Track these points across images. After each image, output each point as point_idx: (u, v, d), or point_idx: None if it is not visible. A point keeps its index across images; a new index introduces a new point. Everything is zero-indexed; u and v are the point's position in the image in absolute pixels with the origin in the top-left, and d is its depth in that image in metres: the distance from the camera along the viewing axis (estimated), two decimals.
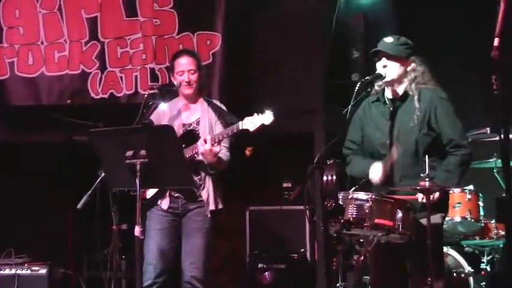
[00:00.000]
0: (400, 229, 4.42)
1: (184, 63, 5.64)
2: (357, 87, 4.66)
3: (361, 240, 4.59)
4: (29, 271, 7.14)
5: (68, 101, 7.68)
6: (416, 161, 4.70)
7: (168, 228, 5.58)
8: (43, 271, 7.18)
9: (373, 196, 4.44)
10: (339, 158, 4.53)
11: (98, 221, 6.00)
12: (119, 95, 7.69)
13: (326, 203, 4.13)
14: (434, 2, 8.03)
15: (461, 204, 6.67)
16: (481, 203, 6.76)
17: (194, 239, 5.54)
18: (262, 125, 5.22)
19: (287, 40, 7.76)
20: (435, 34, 7.78)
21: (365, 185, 4.79)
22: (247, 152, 7.98)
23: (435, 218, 4.64)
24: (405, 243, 4.57)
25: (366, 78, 4.80)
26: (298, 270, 7.18)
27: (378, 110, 4.96)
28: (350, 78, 7.63)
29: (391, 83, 4.88)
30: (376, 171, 4.79)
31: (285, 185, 7.87)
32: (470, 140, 4.92)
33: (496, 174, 6.86)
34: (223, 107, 5.71)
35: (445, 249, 6.53)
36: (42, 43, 7.76)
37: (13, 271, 7.13)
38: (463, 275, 6.65)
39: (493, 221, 6.81)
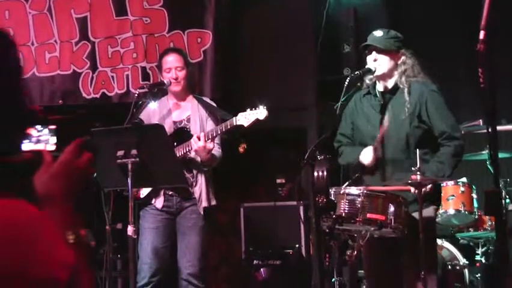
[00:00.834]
0: (392, 223, 4.42)
1: (171, 60, 5.65)
2: (346, 82, 4.66)
3: (354, 235, 4.58)
4: None
5: (60, 101, 7.67)
6: (408, 154, 4.71)
7: (163, 227, 5.58)
8: None
9: (364, 191, 4.43)
10: (330, 153, 4.52)
11: (94, 220, 5.99)
12: (111, 94, 7.68)
13: (317, 199, 4.11)
14: None
15: (454, 196, 6.66)
16: (474, 195, 6.75)
17: (189, 236, 5.55)
18: (257, 120, 5.23)
19: (278, 36, 7.76)
20: (425, 26, 7.77)
21: (358, 179, 4.78)
22: (241, 149, 8.00)
23: (428, 211, 4.65)
24: (398, 237, 4.56)
25: (356, 72, 4.81)
26: (294, 266, 7.16)
27: (369, 103, 4.97)
28: (342, 73, 7.62)
29: (382, 77, 4.89)
30: (367, 155, 4.80)
31: (278, 181, 7.86)
32: (462, 131, 4.92)
33: (489, 166, 6.85)
34: (213, 104, 5.71)
35: (440, 241, 6.54)
36: (32, 44, 7.76)
37: None
38: (458, 267, 6.65)
39: None
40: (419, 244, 4.42)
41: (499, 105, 2.77)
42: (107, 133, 4.81)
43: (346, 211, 4.40)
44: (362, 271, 5.42)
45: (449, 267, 6.62)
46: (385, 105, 4.87)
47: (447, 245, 6.74)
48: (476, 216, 6.76)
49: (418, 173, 4.39)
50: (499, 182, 3.66)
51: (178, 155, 5.36)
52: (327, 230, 4.34)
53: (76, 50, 7.71)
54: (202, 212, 5.54)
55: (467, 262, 6.63)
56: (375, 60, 4.85)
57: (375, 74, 4.84)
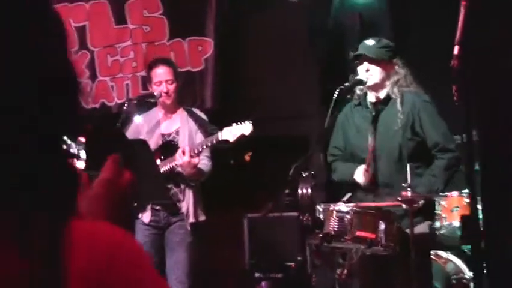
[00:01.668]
0: (383, 241, 4.25)
1: (162, 73, 5.51)
2: (335, 95, 4.50)
3: (345, 253, 4.42)
4: None
5: None
6: (401, 167, 4.52)
7: (150, 242, 5.45)
8: None
9: (354, 208, 4.27)
10: (318, 168, 4.37)
11: None
12: (110, 104, 7.57)
13: (301, 217, 3.96)
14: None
15: (459, 208, 6.46)
16: (479, 206, 6.54)
17: (177, 252, 5.42)
18: (242, 136, 5.07)
19: (281, 43, 7.60)
20: (431, 31, 7.59)
21: (350, 196, 4.62)
22: (247, 157, 7.88)
23: (422, 227, 4.48)
24: (390, 255, 4.39)
25: (346, 84, 4.64)
26: (295, 279, 7.01)
27: (361, 115, 4.80)
28: (347, 80, 7.45)
29: (373, 87, 4.73)
30: (359, 175, 4.64)
31: (287, 191, 7.69)
32: (457, 142, 4.73)
33: None
34: (204, 116, 5.58)
35: (445, 254, 6.34)
36: None
37: None
38: (464, 281, 6.44)
39: None
40: (412, 261, 4.25)
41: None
42: None
43: (335, 229, 4.24)
44: None
45: (454, 281, 6.42)
46: (377, 116, 4.69)
47: (452, 257, 6.53)
48: (482, 228, 6.55)
49: (409, 189, 4.21)
50: (477, 203, 3.46)
51: (164, 169, 5.23)
52: (315, 248, 4.17)
53: (75, 60, 7.47)
54: (189, 228, 5.39)
55: (473, 275, 6.42)
56: (367, 70, 4.68)
57: (367, 84, 4.68)
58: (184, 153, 5.17)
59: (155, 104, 5.64)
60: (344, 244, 4.30)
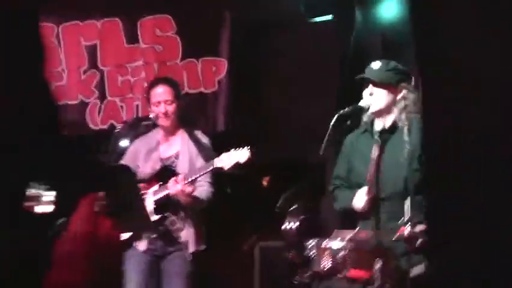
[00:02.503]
0: (379, 281, 3.89)
1: (160, 93, 5.24)
2: (333, 122, 4.17)
3: None
4: None
5: (65, 132, 7.29)
6: (404, 201, 4.15)
7: (148, 270, 5.17)
8: None
9: (348, 243, 3.93)
10: (309, 201, 4.05)
11: None
12: (119, 125, 7.30)
13: (288, 255, 3.64)
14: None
15: None
16: None
17: (175, 285, 5.12)
18: (237, 164, 4.77)
19: (299, 65, 7.28)
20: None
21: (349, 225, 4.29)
22: (264, 182, 7.57)
23: (422, 268, 4.10)
24: None
25: (345, 110, 4.31)
26: None
27: (367, 143, 4.47)
28: None
29: (379, 113, 4.40)
30: (360, 198, 4.33)
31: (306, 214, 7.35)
32: None
33: None
34: (206, 140, 5.28)
35: None
36: None
37: None
38: None
39: None
40: None
41: None
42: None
43: (326, 268, 3.90)
44: None
45: None
46: (383, 145, 4.36)
47: None
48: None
49: (409, 224, 3.86)
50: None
51: (160, 196, 4.96)
52: None
53: (84, 79, 7.39)
54: (189, 258, 5.09)
55: None
56: (371, 94, 4.37)
57: (370, 110, 4.35)
58: (177, 181, 4.90)
59: (154, 126, 5.35)
60: (336, 284, 3.95)
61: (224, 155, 4.85)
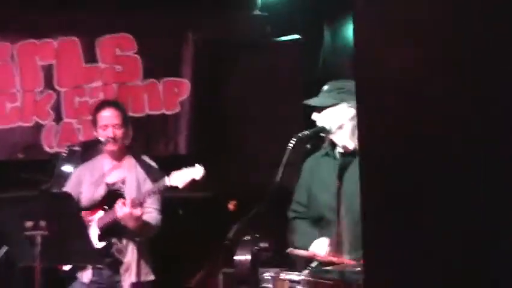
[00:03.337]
0: None
1: (108, 116, 4.97)
2: (291, 144, 3.90)
3: None
4: None
5: (20, 155, 6.99)
6: None
7: None
8: None
9: (307, 276, 3.64)
10: (262, 230, 3.76)
11: None
12: (76, 148, 6.98)
13: None
14: None
15: None
16: None
17: None
18: (193, 181, 4.50)
19: (264, 88, 7.02)
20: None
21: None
22: (231, 206, 7.27)
23: None
24: None
25: (305, 132, 4.04)
26: None
27: (328, 167, 4.20)
28: None
29: (333, 136, 4.14)
30: (321, 248, 4.02)
31: (261, 245, 7.05)
32: None
33: None
34: (153, 164, 5.00)
35: None
36: None
37: None
38: None
39: None
40: None
41: None
42: (13, 201, 4.14)
43: None
44: None
45: None
46: (344, 169, 4.09)
47: None
48: None
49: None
50: None
51: (105, 222, 4.66)
52: None
53: (40, 100, 7.07)
54: None
55: None
56: (315, 120, 4.12)
57: (331, 134, 4.09)
58: (124, 204, 4.61)
59: (101, 151, 5.08)
60: None
61: (176, 173, 4.58)
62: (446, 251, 2.15)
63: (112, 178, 5.00)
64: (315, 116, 4.13)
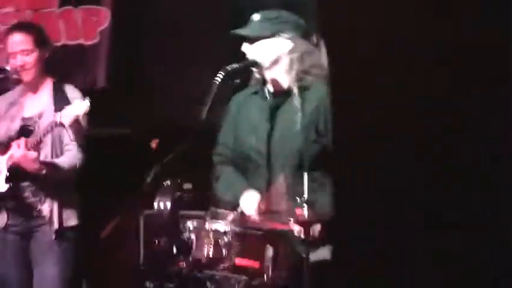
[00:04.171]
0: (270, 272, 3.29)
1: (17, 41, 4.49)
2: (218, 78, 3.52)
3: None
4: None
5: None
6: (300, 178, 3.51)
7: (12, 253, 4.46)
8: None
9: (233, 227, 3.30)
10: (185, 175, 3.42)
11: None
12: None
13: (154, 241, 3.01)
14: None
15: None
16: None
17: (44, 268, 4.44)
18: (77, 117, 4.08)
19: (187, 17, 6.58)
20: None
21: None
22: (153, 145, 6.89)
23: (322, 253, 3.53)
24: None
25: (234, 65, 3.65)
26: None
27: (257, 106, 3.83)
28: None
29: (266, 72, 3.77)
30: (250, 204, 3.66)
31: (185, 186, 6.72)
32: None
33: None
34: (76, 94, 4.52)
35: None
36: None
37: None
38: None
39: None
40: None
41: None
42: None
43: (208, 255, 3.27)
44: None
45: None
46: (275, 111, 3.73)
47: None
48: None
49: (305, 205, 3.25)
50: None
51: (11, 163, 4.23)
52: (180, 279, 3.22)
53: None
54: (54, 236, 4.38)
55: None
56: (246, 52, 3.74)
57: (262, 66, 3.71)
58: (19, 146, 4.18)
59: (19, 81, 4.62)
60: (221, 273, 3.33)
61: (66, 109, 4.14)
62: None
63: (29, 112, 4.54)
64: (245, 47, 3.74)
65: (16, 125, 4.48)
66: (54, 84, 4.58)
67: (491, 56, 2.20)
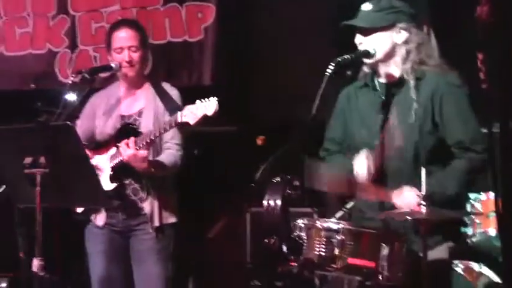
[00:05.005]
0: (385, 272, 3.13)
1: (123, 37, 4.41)
2: (329, 71, 3.37)
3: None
4: None
5: (32, 85, 6.62)
6: (417, 170, 3.34)
7: (113, 250, 4.42)
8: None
9: (346, 225, 3.15)
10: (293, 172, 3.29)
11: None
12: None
13: (266, 241, 2.89)
14: None
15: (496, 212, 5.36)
16: None
17: (146, 265, 4.38)
18: (205, 116, 3.98)
19: (298, 17, 6.46)
20: None
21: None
22: (259, 141, 6.82)
23: (439, 252, 3.35)
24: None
25: (346, 56, 3.49)
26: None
27: (367, 99, 3.67)
28: None
29: (383, 63, 3.60)
30: (362, 165, 3.51)
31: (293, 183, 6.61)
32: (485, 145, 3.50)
33: None
34: (176, 93, 4.46)
35: (477, 267, 5.26)
36: (1, 18, 6.82)
37: None
38: None
39: None
40: None
41: None
42: (8, 133, 3.70)
43: (319, 254, 3.13)
44: None
45: None
46: (388, 102, 3.56)
47: (485, 271, 5.44)
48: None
49: (423, 202, 3.09)
50: None
51: (116, 162, 4.19)
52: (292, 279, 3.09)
53: (53, 25, 6.74)
54: (152, 233, 4.33)
55: None
56: (360, 44, 3.57)
57: (375, 58, 3.54)
58: (128, 145, 4.12)
59: (117, 78, 4.57)
60: (332, 274, 3.19)
61: (188, 108, 4.05)
62: None
63: (127, 110, 4.48)
64: (359, 38, 3.58)
65: (115, 122, 4.43)
66: (153, 82, 4.53)
67: None
